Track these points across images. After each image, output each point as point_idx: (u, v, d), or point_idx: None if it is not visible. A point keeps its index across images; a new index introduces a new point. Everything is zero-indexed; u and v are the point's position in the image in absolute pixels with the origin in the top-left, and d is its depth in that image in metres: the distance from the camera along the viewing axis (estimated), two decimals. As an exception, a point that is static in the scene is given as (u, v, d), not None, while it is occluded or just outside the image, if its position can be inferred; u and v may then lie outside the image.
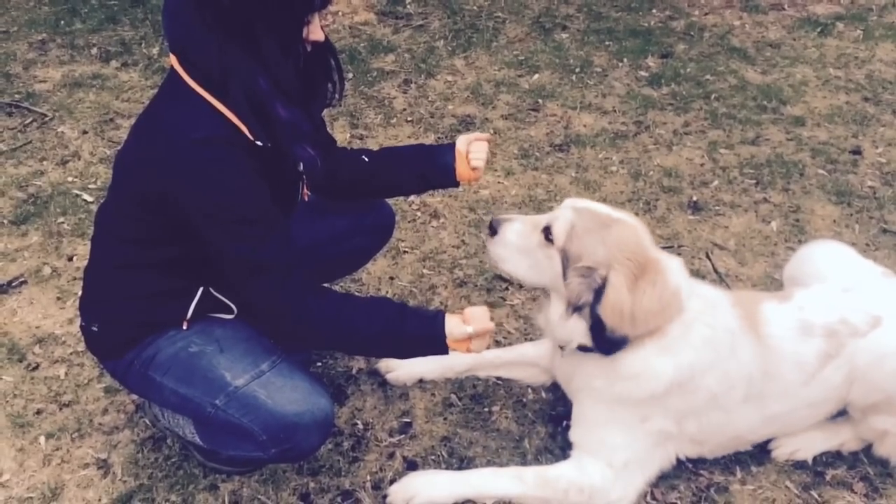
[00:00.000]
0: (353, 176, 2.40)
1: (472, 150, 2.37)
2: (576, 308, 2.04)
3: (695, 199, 3.63)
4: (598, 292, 1.99)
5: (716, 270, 3.18)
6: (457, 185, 2.41)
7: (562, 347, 2.21)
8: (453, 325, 2.00)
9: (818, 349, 2.22)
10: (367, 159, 2.42)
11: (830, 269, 2.52)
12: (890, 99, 4.46)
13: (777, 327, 2.23)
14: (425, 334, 2.01)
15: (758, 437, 2.39)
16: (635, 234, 2.09)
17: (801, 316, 2.26)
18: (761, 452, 2.43)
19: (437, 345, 2.01)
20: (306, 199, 2.22)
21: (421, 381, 2.65)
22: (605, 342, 2.03)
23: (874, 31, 5.24)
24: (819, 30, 5.27)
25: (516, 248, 2.18)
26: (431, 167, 2.39)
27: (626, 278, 1.99)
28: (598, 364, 2.13)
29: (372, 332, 2.00)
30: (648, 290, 2.01)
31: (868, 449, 2.43)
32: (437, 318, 2.01)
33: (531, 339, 2.77)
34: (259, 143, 1.86)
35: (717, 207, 3.57)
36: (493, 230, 2.22)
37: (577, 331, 2.08)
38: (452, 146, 2.39)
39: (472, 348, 2.03)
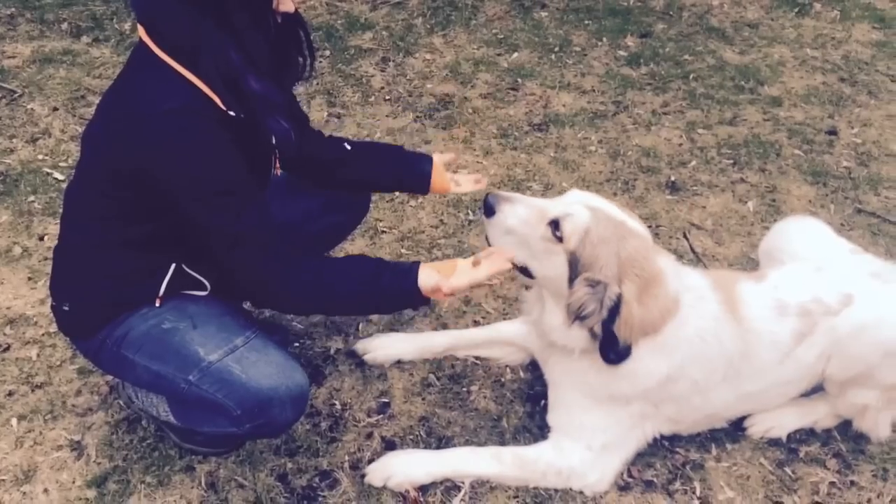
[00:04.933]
0: (333, 161, 2.39)
1: (460, 180, 2.47)
2: (577, 317, 1.98)
3: (673, 179, 3.63)
4: (612, 310, 1.93)
5: (693, 250, 3.20)
6: (427, 192, 2.48)
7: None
8: (424, 278, 1.97)
9: (792, 328, 2.24)
10: (349, 147, 2.42)
11: (803, 246, 2.54)
12: (866, 80, 4.49)
13: (754, 308, 2.24)
14: (400, 287, 1.98)
15: (733, 414, 2.42)
16: (645, 247, 2.03)
17: (776, 295, 2.27)
18: (736, 430, 2.45)
19: (415, 297, 1.99)
20: (278, 173, 2.20)
21: (399, 361, 2.64)
22: (616, 354, 1.99)
23: (851, 11, 5.27)
24: (797, 10, 5.29)
25: (516, 234, 2.04)
26: (409, 172, 2.44)
27: (636, 294, 1.96)
28: (593, 363, 2.11)
29: (351, 291, 1.98)
30: (651, 302, 2.00)
31: (841, 426, 2.46)
32: (412, 271, 1.98)
33: (509, 319, 2.77)
34: (232, 113, 1.83)
35: (694, 187, 3.59)
36: (489, 209, 2.06)
37: (580, 339, 2.05)
38: (430, 158, 2.45)
39: (445, 292, 1.98)
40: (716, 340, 2.17)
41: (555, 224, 1.99)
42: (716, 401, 2.29)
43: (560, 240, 1.98)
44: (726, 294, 2.23)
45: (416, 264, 2.01)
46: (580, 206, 2.00)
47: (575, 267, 1.97)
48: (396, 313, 2.82)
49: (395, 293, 2.00)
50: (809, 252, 2.50)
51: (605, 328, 1.96)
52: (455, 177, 2.49)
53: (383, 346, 2.63)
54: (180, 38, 1.77)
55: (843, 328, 2.23)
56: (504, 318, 2.81)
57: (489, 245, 2.13)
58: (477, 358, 2.68)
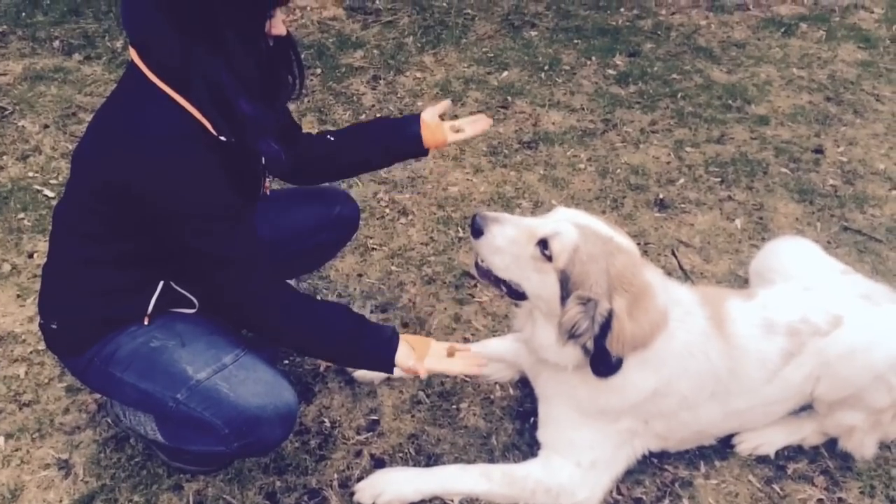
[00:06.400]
0: (322, 157, 2.39)
1: (460, 126, 2.42)
2: (571, 336, 1.98)
3: (661, 196, 3.66)
4: (604, 325, 1.93)
5: (681, 267, 3.22)
6: (426, 153, 2.43)
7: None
8: (402, 356, 2.06)
9: (781, 347, 2.24)
10: (332, 138, 2.41)
11: (794, 265, 2.55)
12: (851, 99, 4.54)
13: (742, 325, 2.25)
14: (377, 355, 2.06)
15: (720, 432, 2.43)
16: (635, 263, 2.03)
17: (764, 314, 2.28)
18: (725, 447, 2.46)
19: (386, 367, 2.08)
20: (268, 192, 2.20)
21: (388, 378, 2.64)
22: (607, 368, 1.99)
23: (836, 31, 5.34)
24: (783, 30, 5.36)
25: (505, 255, 2.03)
26: (399, 138, 2.40)
27: (626, 308, 1.97)
28: (582, 377, 2.11)
29: (329, 341, 2.04)
30: (641, 316, 2.00)
31: (829, 443, 2.47)
32: (391, 344, 2.06)
33: (499, 336, 2.77)
34: (223, 138, 1.84)
35: (682, 205, 3.61)
36: (477, 230, 2.04)
37: (573, 356, 2.05)
38: (417, 117, 2.41)
39: (420, 374, 2.09)
40: (703, 355, 2.17)
41: (543, 243, 1.99)
42: (704, 418, 2.29)
43: (549, 259, 1.98)
44: (714, 310, 2.24)
45: (395, 336, 2.07)
46: (568, 225, 2.00)
47: (566, 285, 1.98)
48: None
49: (370, 358, 2.08)
50: (800, 272, 2.51)
51: (597, 344, 1.97)
52: (454, 124, 2.43)
53: None
54: (172, 61, 1.78)
55: (833, 350, 2.23)
56: (494, 335, 2.81)
57: (477, 267, 2.15)
58: (466, 375, 2.68)
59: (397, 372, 2.11)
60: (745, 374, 2.24)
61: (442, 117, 2.47)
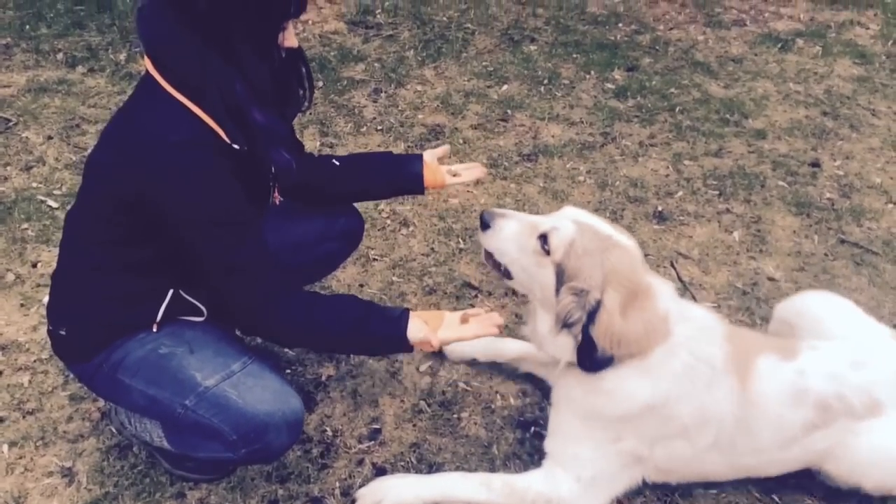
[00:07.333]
0: (324, 179, 2.44)
1: (457, 171, 2.55)
2: (565, 325, 2.02)
3: (660, 209, 3.69)
4: (592, 314, 1.97)
5: (680, 279, 3.24)
6: (423, 192, 2.53)
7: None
8: (413, 330, 2.04)
9: (805, 419, 2.18)
10: (337, 163, 2.47)
11: (835, 326, 2.43)
12: (848, 113, 4.59)
13: (768, 384, 2.17)
14: (388, 335, 2.05)
15: (725, 479, 2.38)
16: (631, 259, 2.06)
17: (798, 381, 2.19)
18: (724, 457, 2.48)
19: (402, 346, 2.06)
20: (277, 202, 2.23)
21: (393, 377, 2.68)
22: (592, 361, 2.01)
23: (832, 47, 5.40)
24: (780, 45, 5.41)
25: (509, 247, 2.14)
26: (401, 175, 2.49)
27: (619, 303, 1.98)
28: (579, 376, 2.13)
29: (339, 333, 2.04)
30: (636, 315, 2.01)
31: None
32: (401, 320, 2.05)
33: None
34: (236, 146, 1.87)
35: (681, 217, 3.65)
36: (484, 224, 2.17)
37: (566, 347, 2.08)
38: (420, 156, 2.51)
39: (434, 345, 2.06)
40: (705, 386, 2.12)
41: (543, 238, 2.07)
42: (708, 464, 2.26)
43: (548, 252, 2.05)
44: (740, 353, 2.17)
45: (405, 312, 2.07)
46: (568, 221, 2.08)
47: (561, 277, 2.03)
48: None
49: (382, 340, 2.07)
50: (844, 334, 2.38)
51: (583, 332, 2.00)
52: (451, 168, 2.55)
53: (460, 345, 2.69)
54: (187, 70, 1.81)
55: (864, 448, 2.19)
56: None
57: (485, 260, 2.23)
58: (468, 384, 2.70)
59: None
60: (757, 433, 2.19)
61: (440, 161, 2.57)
